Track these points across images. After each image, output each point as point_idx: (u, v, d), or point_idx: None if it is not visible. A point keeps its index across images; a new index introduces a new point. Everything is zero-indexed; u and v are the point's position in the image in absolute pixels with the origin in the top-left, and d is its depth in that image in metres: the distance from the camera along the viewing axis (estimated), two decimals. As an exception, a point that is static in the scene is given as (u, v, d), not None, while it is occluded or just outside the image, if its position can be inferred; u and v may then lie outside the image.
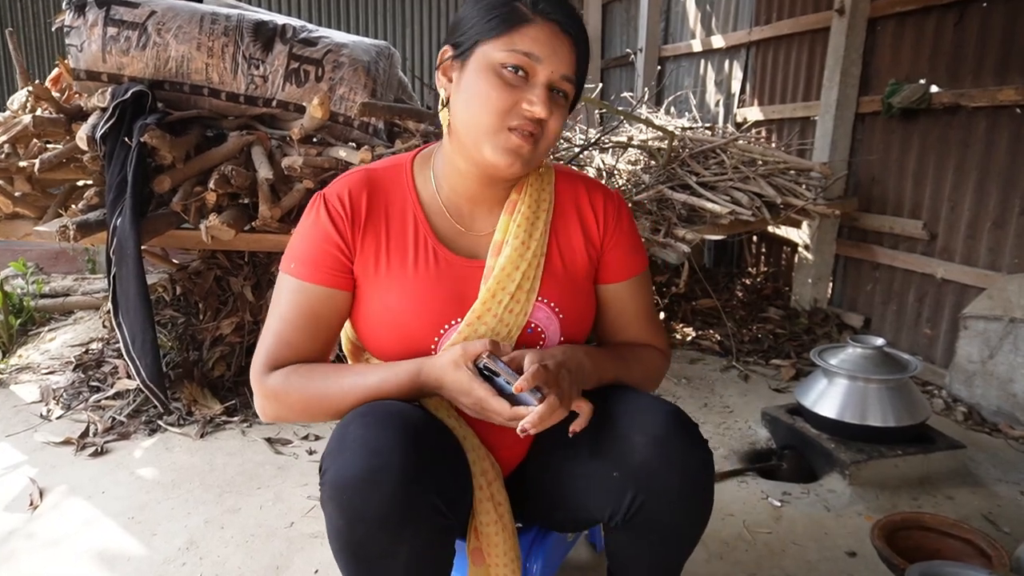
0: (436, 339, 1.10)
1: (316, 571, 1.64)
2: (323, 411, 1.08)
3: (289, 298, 1.11)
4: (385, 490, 0.90)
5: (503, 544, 1.09)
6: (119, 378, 2.62)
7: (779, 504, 1.96)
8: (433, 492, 0.93)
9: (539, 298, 1.13)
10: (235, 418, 2.40)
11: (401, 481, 0.90)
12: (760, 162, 3.38)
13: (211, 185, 2.22)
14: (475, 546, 1.10)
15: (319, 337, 1.12)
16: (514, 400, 0.98)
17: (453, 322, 1.10)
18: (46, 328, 3.36)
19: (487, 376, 1.00)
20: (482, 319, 1.09)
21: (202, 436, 2.29)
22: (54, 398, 2.55)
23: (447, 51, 1.09)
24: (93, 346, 3.01)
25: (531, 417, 0.95)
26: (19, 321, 3.31)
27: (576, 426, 1.01)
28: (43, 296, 3.67)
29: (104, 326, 3.16)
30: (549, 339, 1.15)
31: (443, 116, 1.12)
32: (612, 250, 1.21)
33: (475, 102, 1.03)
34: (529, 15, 1.02)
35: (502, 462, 1.17)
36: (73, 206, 2.34)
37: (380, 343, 1.13)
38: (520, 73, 1.02)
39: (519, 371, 1.00)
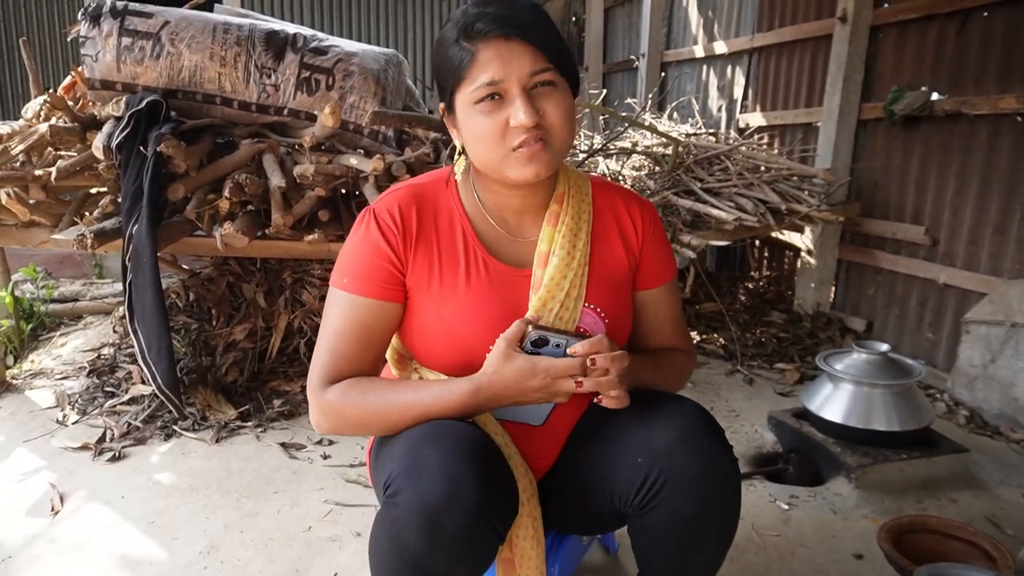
0: (490, 347, 1.12)
1: (335, 575, 1.68)
2: (379, 427, 1.11)
3: (342, 312, 1.14)
4: (463, 517, 0.94)
5: (536, 558, 1.13)
6: (133, 383, 2.65)
7: (787, 507, 2.00)
8: (497, 518, 0.99)
9: (586, 304, 1.18)
10: (249, 423, 2.44)
11: (476, 511, 0.95)
12: (764, 168, 3.42)
13: (225, 193, 2.25)
14: (507, 556, 1.13)
15: (372, 349, 1.15)
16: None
17: None
18: (57, 333, 3.39)
19: (536, 352, 1.04)
20: None
21: (217, 441, 2.32)
22: (69, 403, 2.58)
23: (441, 108, 1.15)
24: (105, 351, 3.04)
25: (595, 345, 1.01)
26: (30, 326, 3.34)
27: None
28: (52, 301, 3.69)
29: (115, 331, 3.19)
30: None
31: (461, 163, 1.18)
32: (649, 256, 1.26)
33: (477, 144, 1.09)
34: (471, 46, 1.05)
35: (534, 470, 1.20)
36: (88, 214, 2.38)
37: (434, 355, 1.17)
38: (496, 98, 1.05)
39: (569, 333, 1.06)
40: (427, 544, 0.94)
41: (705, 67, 4.88)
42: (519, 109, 1.03)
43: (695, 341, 3.43)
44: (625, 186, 1.37)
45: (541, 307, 1.14)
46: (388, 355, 1.31)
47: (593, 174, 1.33)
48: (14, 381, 2.83)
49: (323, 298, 2.77)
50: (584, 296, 1.18)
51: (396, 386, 1.12)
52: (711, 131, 4.08)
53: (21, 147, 2.41)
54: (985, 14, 2.86)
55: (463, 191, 1.21)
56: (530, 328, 1.04)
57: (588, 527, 1.32)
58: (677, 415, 1.09)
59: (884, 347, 2.24)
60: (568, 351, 1.02)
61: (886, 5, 3.34)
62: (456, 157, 1.19)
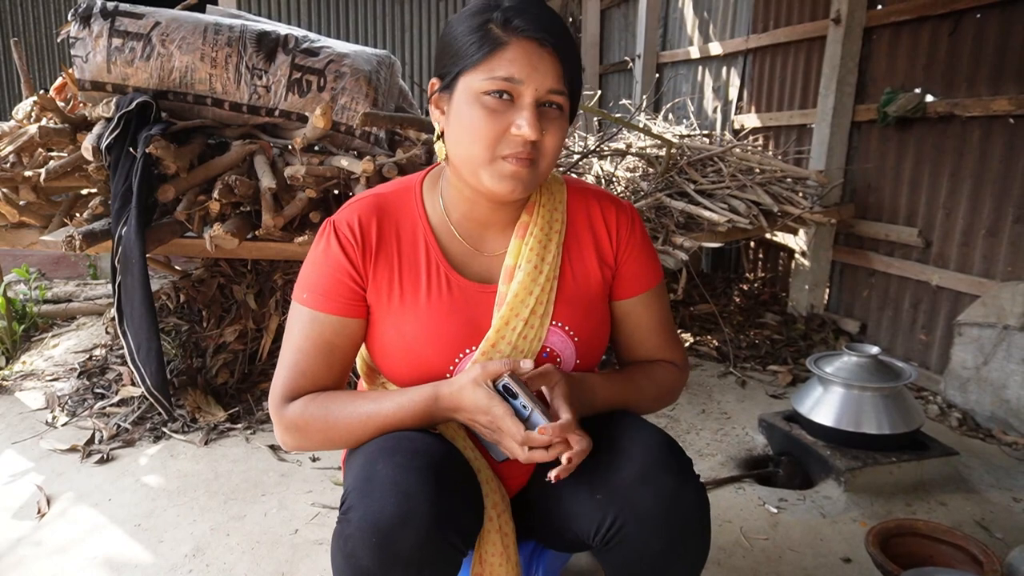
0: (451, 367, 1.11)
1: (321, 578, 1.67)
2: (343, 440, 1.10)
3: (303, 328, 1.11)
4: (416, 535, 0.92)
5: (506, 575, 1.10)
6: (123, 385, 2.64)
7: (776, 510, 1.99)
8: (455, 533, 0.96)
9: (553, 322, 1.13)
10: (238, 425, 2.43)
11: (430, 527, 0.93)
12: (757, 170, 3.42)
13: (215, 195, 2.24)
14: (478, 572, 1.11)
15: (335, 365, 1.12)
16: (527, 425, 0.99)
17: (468, 350, 1.11)
18: (49, 334, 3.38)
19: (504, 397, 1.01)
20: (496, 347, 1.10)
21: (206, 443, 2.32)
22: (59, 405, 2.58)
23: (435, 83, 1.09)
24: (97, 353, 3.04)
25: (564, 468, 0.98)
26: (22, 327, 3.34)
27: (560, 472, 0.99)
28: (46, 302, 3.69)
29: (107, 332, 3.18)
30: (564, 362, 1.16)
31: (439, 148, 1.12)
32: (626, 264, 1.20)
33: (465, 135, 1.02)
34: (504, 37, 1.00)
35: (509, 488, 1.18)
36: (78, 215, 2.37)
37: (395, 370, 1.14)
38: (505, 97, 1.00)
39: (539, 395, 1.01)
40: (380, 563, 0.93)
41: (700, 68, 4.88)
42: (526, 119, 0.99)
43: (688, 343, 3.42)
44: (604, 188, 1.31)
45: (503, 326, 1.10)
46: (359, 367, 1.29)
47: (571, 176, 1.28)
48: (5, 383, 2.82)
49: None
50: (551, 313, 1.13)
51: (357, 398, 1.10)
52: (705, 132, 4.07)
53: (11, 148, 2.41)
54: (978, 16, 2.86)
55: (429, 202, 1.16)
56: (506, 376, 1.01)
57: (562, 547, 1.28)
58: (637, 448, 1.04)
59: (874, 349, 2.23)
60: (529, 419, 1.00)
61: (879, 7, 3.34)
62: (436, 139, 1.12)
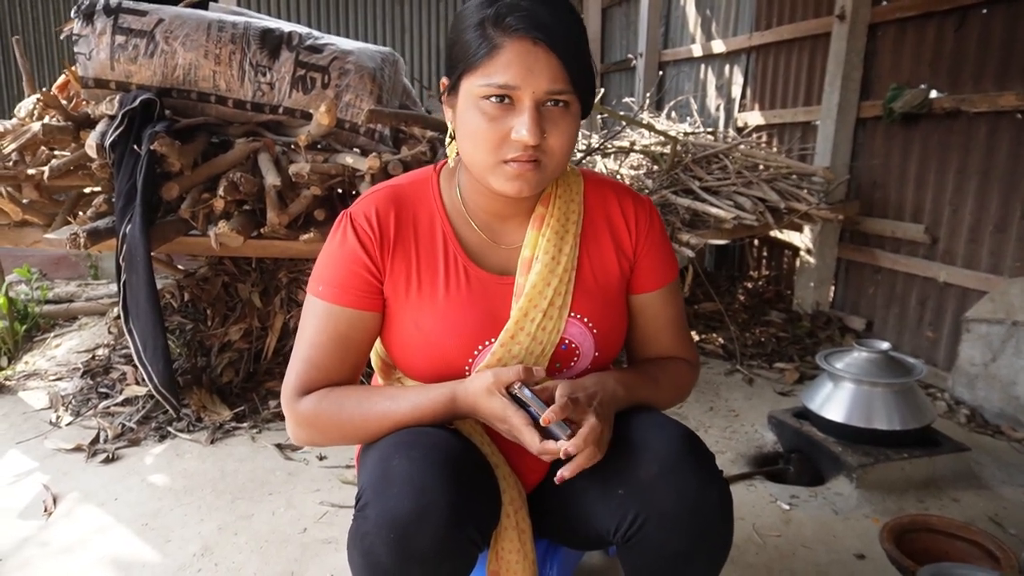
0: (470, 360, 1.10)
1: (331, 577, 1.66)
2: (356, 437, 1.09)
3: (318, 322, 1.10)
4: (434, 530, 0.91)
5: (522, 573, 1.09)
6: (128, 384, 2.63)
7: (788, 507, 1.98)
8: (473, 527, 0.95)
9: (571, 313, 1.12)
10: (244, 424, 2.41)
11: (448, 522, 0.92)
12: (763, 167, 3.41)
13: (220, 192, 2.23)
14: (494, 569, 1.10)
15: (349, 359, 1.11)
16: (545, 430, 0.98)
17: (487, 342, 1.10)
18: (51, 334, 3.36)
19: (521, 402, 1.00)
20: (515, 339, 1.09)
21: (212, 442, 2.30)
22: (63, 404, 2.56)
23: (444, 83, 1.07)
24: (100, 352, 3.02)
25: (570, 467, 0.96)
26: (24, 327, 3.32)
27: (566, 472, 0.97)
28: (47, 302, 3.67)
29: (110, 332, 3.16)
30: (584, 354, 1.15)
31: (451, 149, 1.11)
32: (644, 258, 1.19)
33: (468, 139, 1.01)
34: (498, 37, 0.96)
35: (525, 483, 1.17)
36: (82, 213, 2.35)
37: (413, 364, 1.13)
38: (505, 102, 0.98)
39: (550, 401, 0.99)
40: (398, 558, 0.92)
41: (703, 66, 4.87)
42: (524, 125, 0.96)
43: (694, 341, 3.40)
44: (622, 182, 1.30)
45: (522, 317, 1.09)
46: (373, 362, 1.27)
47: (588, 169, 1.25)
48: (7, 382, 2.80)
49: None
50: (569, 305, 1.12)
51: (372, 395, 1.08)
52: (709, 130, 4.06)
53: (14, 146, 2.39)
54: (984, 11, 2.85)
55: (446, 193, 1.15)
56: (517, 385, 0.99)
57: (578, 545, 1.27)
58: (660, 443, 1.02)
59: (885, 345, 2.22)
60: (547, 427, 0.98)
61: (884, 3, 3.33)
62: (448, 140, 1.12)
